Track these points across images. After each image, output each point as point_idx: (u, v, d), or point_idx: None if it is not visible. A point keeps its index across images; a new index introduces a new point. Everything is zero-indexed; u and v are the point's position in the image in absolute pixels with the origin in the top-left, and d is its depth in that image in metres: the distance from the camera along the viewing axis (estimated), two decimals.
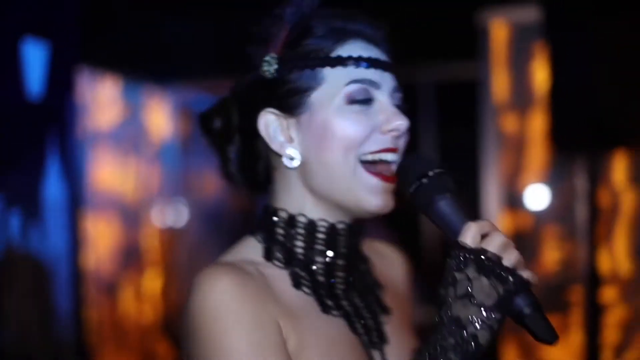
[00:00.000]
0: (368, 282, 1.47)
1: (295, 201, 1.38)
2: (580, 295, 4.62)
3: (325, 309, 1.35)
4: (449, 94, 6.12)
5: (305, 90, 1.34)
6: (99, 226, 5.37)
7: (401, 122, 1.34)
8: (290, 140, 1.36)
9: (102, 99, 5.51)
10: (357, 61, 1.33)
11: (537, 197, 4.88)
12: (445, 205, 1.28)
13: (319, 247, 1.37)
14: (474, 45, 5.02)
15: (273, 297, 1.30)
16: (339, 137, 1.32)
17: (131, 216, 5.75)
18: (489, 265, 1.20)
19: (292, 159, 1.36)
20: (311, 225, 1.37)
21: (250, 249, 1.38)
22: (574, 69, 3.96)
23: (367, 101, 1.34)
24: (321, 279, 1.37)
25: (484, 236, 1.24)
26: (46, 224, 4.14)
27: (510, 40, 4.93)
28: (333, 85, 1.33)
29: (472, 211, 1.30)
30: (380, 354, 1.40)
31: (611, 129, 3.89)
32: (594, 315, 4.15)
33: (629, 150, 4.39)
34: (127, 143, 5.74)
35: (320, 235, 1.37)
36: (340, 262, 1.39)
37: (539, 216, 4.89)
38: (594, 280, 4.15)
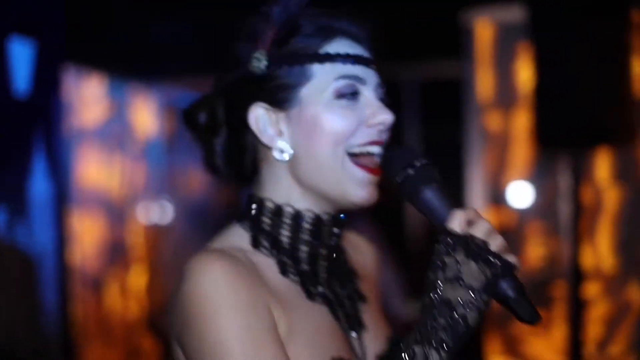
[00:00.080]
0: (346, 271, 1.51)
1: (282, 192, 1.41)
2: (563, 291, 4.66)
3: (310, 296, 1.39)
4: (433, 92, 6.16)
5: (295, 86, 1.38)
6: (85, 223, 5.37)
7: (387, 116, 1.39)
8: (279, 133, 1.39)
9: (87, 97, 5.51)
10: (345, 58, 1.37)
11: (521, 194, 4.92)
12: (431, 194, 1.33)
13: (305, 236, 1.41)
14: (458, 44, 5.05)
15: (263, 283, 1.33)
16: (327, 131, 1.36)
17: (117, 213, 5.75)
18: (477, 250, 1.27)
19: (282, 151, 1.39)
20: (297, 216, 1.40)
21: (238, 236, 1.41)
22: (558, 68, 4.00)
23: (354, 96, 1.38)
24: (305, 267, 1.41)
25: (469, 223, 1.30)
26: (32, 220, 4.15)
27: (495, 39, 4.97)
28: (322, 81, 1.37)
29: (457, 206, 1.34)
30: (358, 340, 1.44)
31: (594, 127, 3.93)
32: (577, 310, 4.20)
33: (611, 147, 4.44)
34: (112, 141, 5.73)
35: (306, 225, 1.40)
36: (323, 251, 1.42)
37: (523, 213, 4.93)
38: (577, 276, 4.20)
